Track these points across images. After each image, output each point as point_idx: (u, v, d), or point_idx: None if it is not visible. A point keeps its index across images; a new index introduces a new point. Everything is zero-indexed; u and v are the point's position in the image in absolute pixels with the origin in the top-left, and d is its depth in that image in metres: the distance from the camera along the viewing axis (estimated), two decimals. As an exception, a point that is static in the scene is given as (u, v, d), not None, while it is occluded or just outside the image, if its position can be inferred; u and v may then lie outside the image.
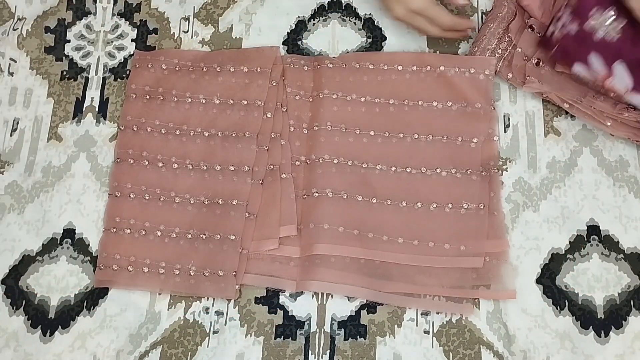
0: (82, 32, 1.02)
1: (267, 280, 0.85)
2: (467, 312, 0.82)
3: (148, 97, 0.95)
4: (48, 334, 0.85)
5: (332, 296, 0.84)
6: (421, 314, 0.83)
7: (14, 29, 1.02)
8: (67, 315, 0.86)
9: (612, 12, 0.79)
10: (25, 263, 0.89)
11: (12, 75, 0.99)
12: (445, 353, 0.81)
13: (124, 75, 0.98)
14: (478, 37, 0.93)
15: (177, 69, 0.96)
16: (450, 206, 0.85)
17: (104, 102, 0.97)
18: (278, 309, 0.84)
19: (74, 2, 1.04)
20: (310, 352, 0.82)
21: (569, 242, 0.84)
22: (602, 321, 0.80)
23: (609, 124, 0.86)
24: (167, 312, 0.85)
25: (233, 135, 0.91)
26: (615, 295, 0.81)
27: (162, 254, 0.86)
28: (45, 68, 1.00)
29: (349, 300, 0.84)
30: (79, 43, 1.01)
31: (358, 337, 0.82)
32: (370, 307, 0.84)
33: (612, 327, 0.80)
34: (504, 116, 0.91)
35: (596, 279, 0.82)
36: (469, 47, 0.94)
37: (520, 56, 0.90)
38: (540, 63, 0.89)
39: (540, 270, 0.83)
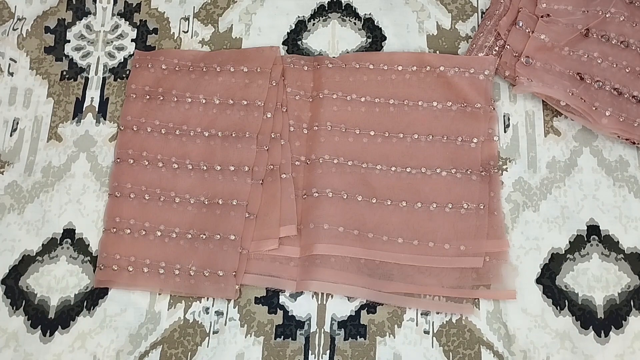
0: (82, 32, 1.02)
1: (267, 280, 0.85)
2: (467, 312, 0.82)
3: (148, 97, 0.95)
4: (48, 334, 0.85)
5: (332, 296, 0.84)
6: (421, 314, 0.83)
7: (14, 29, 1.02)
8: (67, 315, 0.86)
9: None
10: (25, 263, 0.89)
11: (12, 75, 0.99)
12: (445, 353, 0.81)
13: (124, 75, 0.98)
14: (476, 34, 0.94)
15: (177, 69, 0.96)
16: (450, 206, 0.85)
17: (104, 102, 0.97)
18: (278, 309, 0.84)
19: (74, 2, 1.04)
20: (310, 352, 0.82)
21: (569, 242, 0.84)
22: (602, 321, 0.80)
23: (604, 121, 0.86)
24: (167, 312, 0.85)
25: (233, 135, 0.91)
26: (615, 295, 0.81)
27: (162, 254, 0.86)
28: (45, 68, 1.00)
29: (349, 300, 0.84)
30: (79, 43, 1.01)
31: (358, 337, 0.82)
32: (370, 307, 0.83)
33: (612, 327, 0.80)
34: (504, 116, 0.91)
35: (596, 279, 0.82)
36: (469, 46, 0.94)
37: (510, 53, 0.90)
38: (530, 60, 0.89)
39: (540, 270, 0.83)
